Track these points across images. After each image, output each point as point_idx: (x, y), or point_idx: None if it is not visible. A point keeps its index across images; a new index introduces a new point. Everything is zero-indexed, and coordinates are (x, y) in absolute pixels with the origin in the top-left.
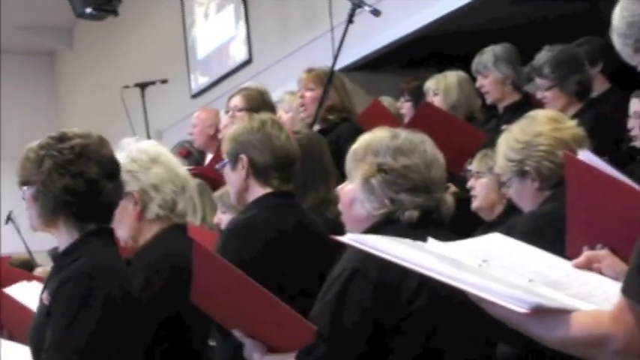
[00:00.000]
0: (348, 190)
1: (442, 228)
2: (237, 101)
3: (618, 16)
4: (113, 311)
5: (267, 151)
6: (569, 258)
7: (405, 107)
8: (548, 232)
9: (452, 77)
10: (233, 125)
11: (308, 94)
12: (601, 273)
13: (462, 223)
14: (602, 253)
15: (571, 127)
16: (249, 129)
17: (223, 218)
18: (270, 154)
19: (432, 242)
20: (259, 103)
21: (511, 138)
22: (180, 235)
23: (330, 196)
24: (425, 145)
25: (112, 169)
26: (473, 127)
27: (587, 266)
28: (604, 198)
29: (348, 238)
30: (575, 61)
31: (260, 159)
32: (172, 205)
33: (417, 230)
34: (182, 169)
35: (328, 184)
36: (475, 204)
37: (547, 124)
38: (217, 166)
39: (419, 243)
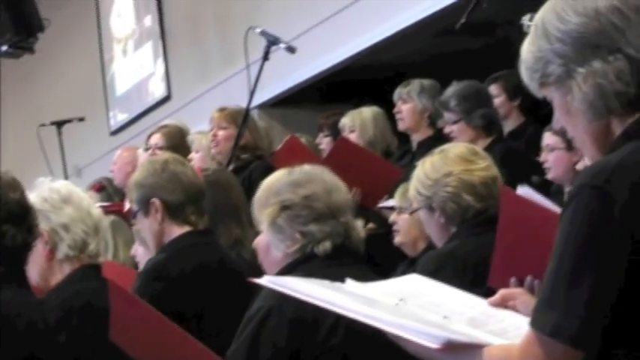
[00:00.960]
0: (261, 239)
1: (359, 264)
2: (157, 139)
3: (526, 50)
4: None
5: (178, 188)
6: (492, 288)
7: (325, 142)
8: (449, 271)
9: (367, 113)
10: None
11: (221, 132)
12: (516, 310)
13: (382, 259)
14: (517, 290)
15: (483, 167)
16: (154, 171)
17: (139, 250)
18: (181, 190)
19: (349, 283)
20: (179, 140)
21: (423, 172)
22: (92, 275)
23: (245, 234)
24: (323, 174)
25: (17, 212)
26: (388, 163)
27: (502, 304)
28: (540, 231)
29: (265, 281)
30: (480, 95)
31: (172, 198)
32: (82, 246)
33: (333, 268)
34: (95, 209)
35: (241, 222)
36: (397, 239)
37: (458, 163)
38: (131, 218)
39: (337, 284)
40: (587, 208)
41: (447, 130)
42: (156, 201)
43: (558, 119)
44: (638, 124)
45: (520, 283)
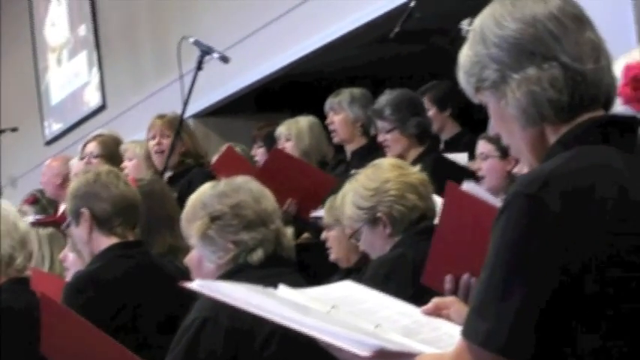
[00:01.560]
0: (192, 255)
1: (292, 273)
2: (92, 148)
3: (464, 54)
4: None
5: (106, 199)
6: (426, 287)
7: (259, 153)
8: (399, 276)
9: (303, 122)
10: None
11: (165, 141)
12: (449, 319)
13: (318, 269)
14: (450, 299)
15: (415, 172)
16: (85, 182)
17: (70, 256)
18: (109, 201)
19: (282, 288)
20: (115, 149)
21: (359, 186)
22: (21, 289)
23: (178, 243)
24: (249, 184)
25: None
26: (323, 173)
27: (436, 313)
28: (482, 228)
29: (196, 285)
30: (414, 104)
31: (100, 208)
32: (9, 260)
33: (266, 279)
34: (22, 222)
35: (174, 231)
36: (332, 256)
37: (392, 170)
38: (63, 227)
39: (269, 290)
40: (519, 216)
41: (380, 138)
42: (85, 211)
43: (494, 125)
44: (572, 132)
45: (456, 282)
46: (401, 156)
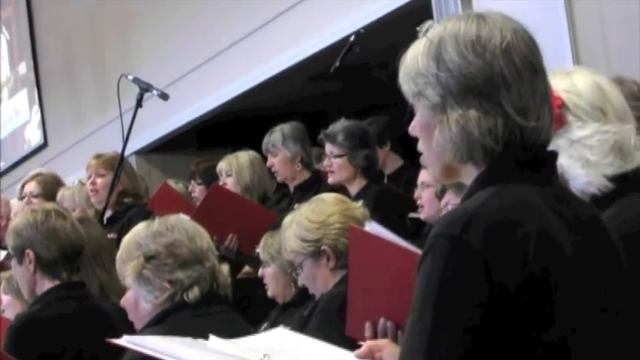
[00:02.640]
0: (128, 295)
1: (229, 312)
2: (32, 187)
3: (413, 57)
4: None
5: (53, 245)
6: (350, 338)
7: (197, 190)
8: None
9: (244, 157)
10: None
11: (99, 180)
12: None
13: (257, 303)
14: (383, 342)
15: (359, 207)
16: (33, 222)
17: (4, 299)
18: (56, 248)
19: (213, 339)
20: (55, 188)
21: (303, 219)
22: None
23: (113, 283)
24: (183, 222)
25: None
26: (263, 207)
27: (369, 356)
28: (391, 270)
29: (124, 341)
30: (367, 137)
31: (46, 254)
32: None
33: (201, 318)
34: None
35: (108, 271)
36: (269, 293)
37: (337, 204)
38: (2, 259)
39: (200, 341)
40: (443, 259)
41: (326, 162)
42: (30, 252)
43: (414, 127)
44: (493, 170)
45: (375, 328)
46: (343, 185)
